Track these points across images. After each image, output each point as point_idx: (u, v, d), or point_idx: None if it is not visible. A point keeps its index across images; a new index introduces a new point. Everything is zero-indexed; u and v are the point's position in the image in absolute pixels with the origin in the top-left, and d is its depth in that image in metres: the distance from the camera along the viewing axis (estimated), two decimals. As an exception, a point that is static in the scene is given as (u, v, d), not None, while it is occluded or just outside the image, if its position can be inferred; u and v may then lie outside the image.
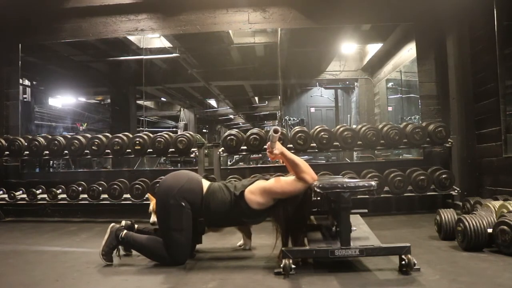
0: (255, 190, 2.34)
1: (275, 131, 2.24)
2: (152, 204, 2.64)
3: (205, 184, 2.48)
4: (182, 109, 9.97)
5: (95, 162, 6.52)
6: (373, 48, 6.68)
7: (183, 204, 2.35)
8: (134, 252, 2.62)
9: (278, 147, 2.33)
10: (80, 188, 4.38)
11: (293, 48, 5.96)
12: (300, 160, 2.31)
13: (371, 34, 5.95)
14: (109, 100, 8.65)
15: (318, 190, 2.14)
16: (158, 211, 2.46)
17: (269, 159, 2.45)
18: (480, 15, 4.19)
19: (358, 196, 3.95)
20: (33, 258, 2.74)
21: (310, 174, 2.28)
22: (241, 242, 2.83)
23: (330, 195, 2.21)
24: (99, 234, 3.39)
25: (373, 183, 2.12)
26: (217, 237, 2.95)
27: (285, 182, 2.33)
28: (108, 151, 4.36)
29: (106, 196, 4.32)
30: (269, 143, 2.33)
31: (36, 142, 4.42)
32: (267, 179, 2.40)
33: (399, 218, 4.07)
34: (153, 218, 2.60)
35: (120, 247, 2.50)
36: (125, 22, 4.87)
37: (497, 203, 2.98)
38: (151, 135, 4.40)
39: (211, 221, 2.50)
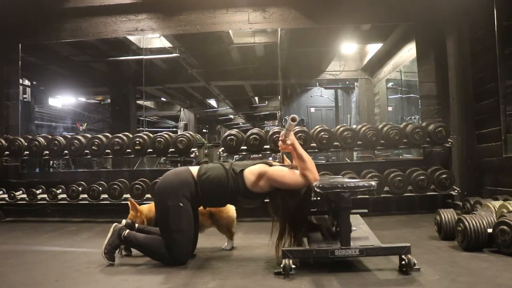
0: (256, 172, 2.34)
1: (293, 120, 2.20)
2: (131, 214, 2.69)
3: (194, 168, 2.47)
4: (182, 109, 9.97)
5: (95, 162, 6.52)
6: (373, 48, 6.67)
7: (181, 204, 2.35)
8: (134, 252, 2.62)
9: (291, 137, 2.32)
10: (80, 188, 4.38)
11: (293, 48, 5.95)
12: (308, 157, 2.30)
13: (371, 34, 5.94)
14: (109, 100, 8.64)
15: (318, 190, 2.14)
16: (158, 213, 2.47)
17: (279, 148, 2.43)
18: (480, 15, 4.19)
19: (358, 196, 3.94)
20: (33, 258, 2.74)
21: (313, 173, 2.27)
22: (226, 244, 2.84)
23: (330, 195, 2.20)
24: (99, 234, 3.39)
25: (373, 183, 2.12)
26: (217, 237, 2.95)
27: (286, 173, 2.32)
28: (108, 151, 4.36)
29: (106, 196, 4.32)
30: (283, 131, 2.32)
31: (36, 142, 4.42)
32: (270, 165, 2.38)
33: (399, 218, 4.07)
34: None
35: (121, 246, 2.50)
36: (125, 22, 4.87)
37: (497, 203, 2.98)
38: (151, 135, 4.40)
39: (206, 200, 2.47)
